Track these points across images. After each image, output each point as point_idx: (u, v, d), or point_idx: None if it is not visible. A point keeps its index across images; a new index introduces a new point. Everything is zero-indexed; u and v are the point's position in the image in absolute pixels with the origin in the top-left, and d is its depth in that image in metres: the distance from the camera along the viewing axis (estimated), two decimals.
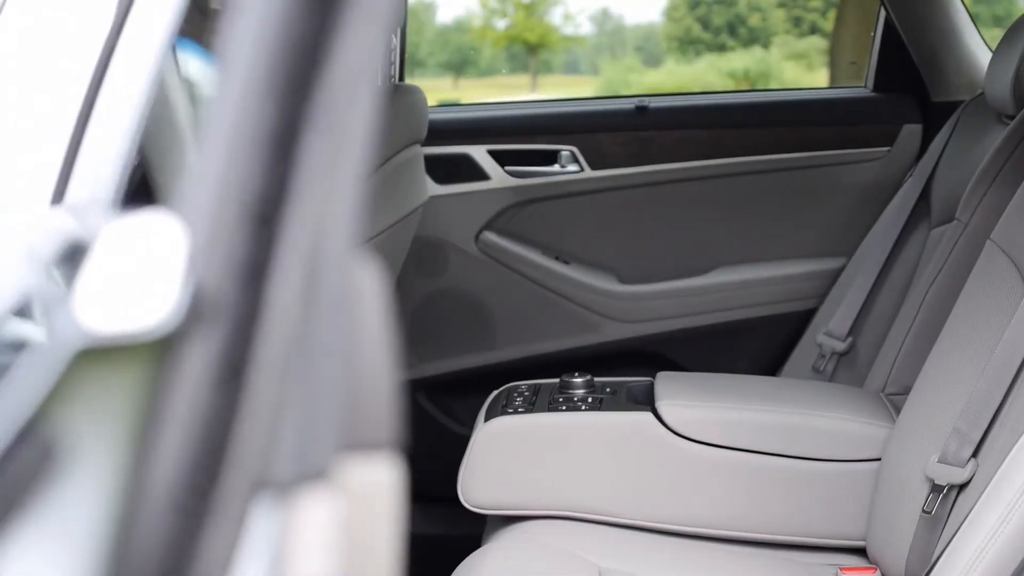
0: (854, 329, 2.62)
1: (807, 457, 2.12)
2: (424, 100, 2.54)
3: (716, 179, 2.86)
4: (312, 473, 0.44)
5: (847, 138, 2.84)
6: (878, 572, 2.02)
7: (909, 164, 2.77)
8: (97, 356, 0.40)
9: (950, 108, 2.64)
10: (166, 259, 0.42)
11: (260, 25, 0.42)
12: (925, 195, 2.61)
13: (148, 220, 0.43)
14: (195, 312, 0.41)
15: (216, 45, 0.44)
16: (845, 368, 2.63)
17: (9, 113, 1.42)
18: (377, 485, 0.47)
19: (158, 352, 0.40)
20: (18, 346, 0.46)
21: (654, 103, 2.88)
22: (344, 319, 0.46)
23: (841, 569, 2.05)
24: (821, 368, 2.64)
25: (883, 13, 2.81)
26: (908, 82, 2.81)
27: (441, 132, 2.75)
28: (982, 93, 2.52)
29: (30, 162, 1.32)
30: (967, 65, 2.76)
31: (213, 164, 0.41)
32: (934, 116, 2.75)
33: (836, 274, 2.80)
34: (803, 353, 2.76)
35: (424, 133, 2.52)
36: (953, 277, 2.22)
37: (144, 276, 0.42)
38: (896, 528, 1.95)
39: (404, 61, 2.86)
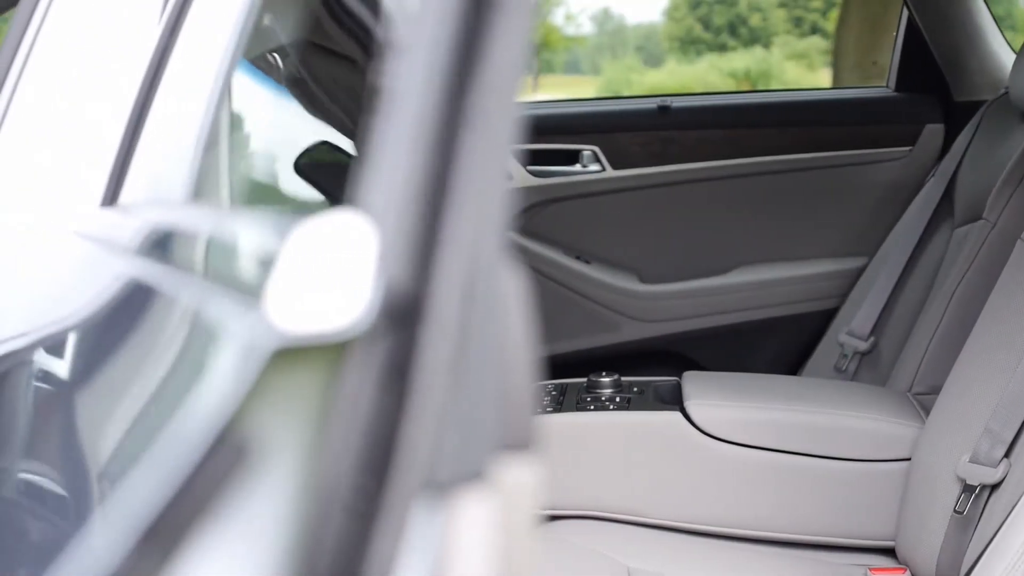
0: (876, 328, 2.62)
1: (836, 457, 2.12)
2: None
3: (737, 179, 2.86)
4: (470, 473, 0.44)
5: (869, 138, 2.84)
6: (908, 572, 2.02)
7: (931, 164, 2.77)
8: (290, 357, 0.40)
9: (972, 108, 2.64)
10: (357, 259, 0.42)
11: (434, 31, 0.42)
12: (948, 195, 2.60)
13: (338, 220, 0.43)
14: (386, 312, 0.40)
15: (391, 49, 0.44)
16: (867, 368, 2.62)
17: (64, 113, 1.42)
18: (523, 485, 0.47)
19: (347, 352, 0.40)
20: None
21: (676, 103, 2.88)
22: (496, 320, 0.46)
23: (870, 569, 2.05)
24: (843, 368, 2.64)
25: (905, 13, 2.81)
26: (930, 82, 2.81)
27: None
28: (1005, 93, 2.52)
29: (84, 161, 1.32)
30: (990, 65, 2.76)
31: (395, 163, 0.41)
32: (956, 116, 2.75)
33: (857, 274, 2.80)
34: (824, 353, 2.75)
35: None
36: (981, 276, 2.22)
37: (336, 276, 0.42)
38: (927, 528, 1.95)
39: None
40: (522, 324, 0.48)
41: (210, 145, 1.26)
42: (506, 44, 0.44)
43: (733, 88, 11.48)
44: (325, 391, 0.40)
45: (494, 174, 0.44)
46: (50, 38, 1.47)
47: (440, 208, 0.41)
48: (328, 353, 0.40)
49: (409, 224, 0.41)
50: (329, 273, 0.42)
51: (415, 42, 0.43)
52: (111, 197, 1.31)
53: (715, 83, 11.52)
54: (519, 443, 0.47)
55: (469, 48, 0.42)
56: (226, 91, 1.29)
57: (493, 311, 0.45)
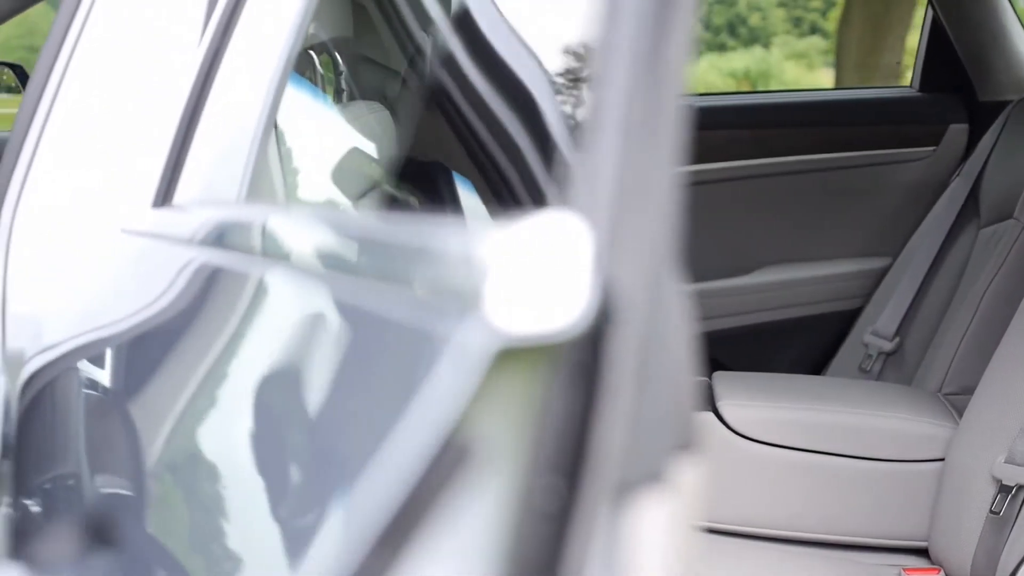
0: (902, 329, 2.62)
1: (869, 457, 2.12)
2: None
3: (761, 179, 2.85)
4: (651, 474, 0.43)
5: (892, 138, 2.83)
6: (942, 573, 2.02)
7: (955, 164, 2.76)
8: (510, 358, 0.40)
9: (997, 108, 2.64)
10: (575, 259, 0.41)
11: (627, 54, 0.43)
12: (973, 195, 2.60)
13: (553, 220, 0.43)
14: (605, 311, 0.40)
15: (594, 49, 0.44)
16: (892, 368, 2.62)
17: (119, 113, 1.42)
18: (691, 485, 0.47)
19: (560, 353, 0.40)
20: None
21: (699, 103, 2.87)
22: (668, 319, 0.45)
23: (904, 570, 2.05)
24: (868, 368, 2.64)
25: (930, 12, 2.80)
26: (954, 82, 2.80)
27: None
28: None
29: (142, 161, 1.32)
30: (1016, 65, 2.75)
31: (603, 171, 0.41)
32: (981, 116, 2.74)
33: (881, 274, 2.79)
34: (849, 353, 2.75)
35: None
36: (1013, 276, 2.22)
37: (555, 276, 0.41)
38: (961, 529, 1.95)
39: None
40: (685, 322, 0.48)
41: (264, 145, 1.26)
42: (678, 50, 0.44)
43: (733, 87, 11.47)
44: (528, 392, 0.40)
45: (670, 177, 0.44)
46: (95, 37, 1.46)
47: (636, 211, 0.41)
48: (535, 353, 0.40)
49: (616, 226, 0.41)
50: (548, 273, 0.41)
51: (611, 67, 0.43)
52: (163, 198, 1.31)
53: (715, 83, 11.50)
54: (687, 443, 0.47)
55: (656, 62, 0.43)
56: (280, 91, 1.29)
57: (667, 310, 0.45)
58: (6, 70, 2.96)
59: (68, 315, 1.34)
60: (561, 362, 0.40)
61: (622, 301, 0.41)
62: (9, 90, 2.95)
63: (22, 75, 2.89)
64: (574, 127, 0.45)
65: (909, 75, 5.37)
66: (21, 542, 0.81)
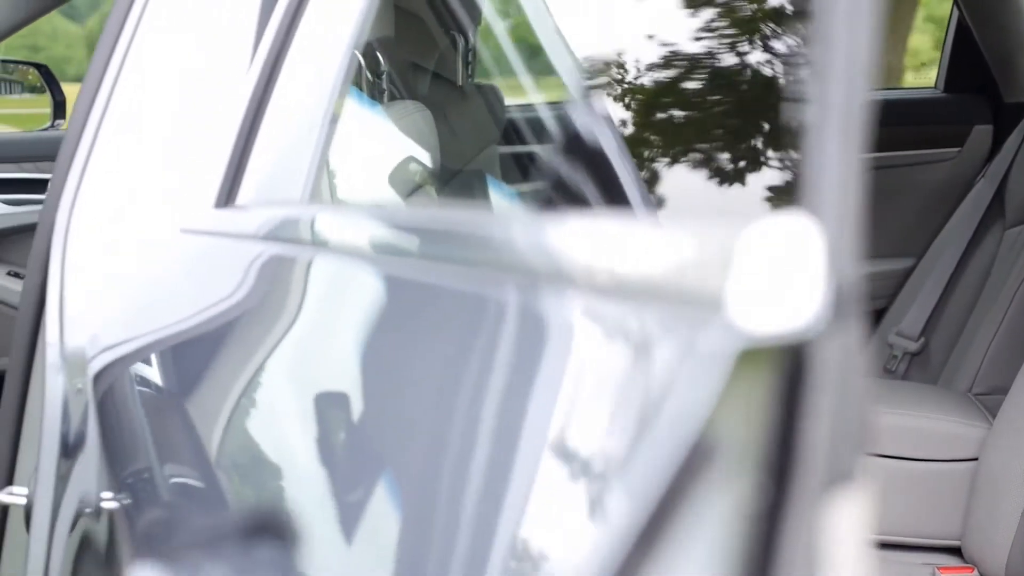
0: (927, 329, 2.62)
1: (902, 457, 2.12)
2: (503, 99, 2.53)
3: None
4: (845, 474, 0.44)
5: (917, 139, 2.83)
6: (976, 572, 2.03)
7: (980, 165, 2.77)
8: (749, 359, 0.40)
9: (1022, 109, 2.64)
10: (810, 259, 0.42)
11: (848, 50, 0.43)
12: (999, 196, 2.61)
13: (788, 221, 0.43)
14: (838, 313, 0.41)
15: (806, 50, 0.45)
16: (918, 368, 2.62)
17: (175, 115, 1.42)
18: (869, 485, 0.47)
19: (792, 354, 0.40)
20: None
21: None
22: (855, 316, 0.46)
23: (938, 568, 2.06)
24: (893, 368, 2.64)
25: (955, 13, 2.81)
26: (979, 83, 2.81)
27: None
28: None
29: (201, 163, 1.32)
30: None
31: (830, 169, 0.42)
32: (1006, 117, 2.74)
33: (905, 274, 2.79)
34: (873, 353, 2.75)
35: (501, 132, 2.51)
36: None
37: (793, 277, 0.42)
38: (996, 528, 1.96)
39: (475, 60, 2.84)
40: (857, 320, 0.48)
41: (327, 146, 1.26)
42: (869, 57, 0.45)
43: None
44: (759, 392, 0.40)
45: (863, 176, 0.46)
46: (151, 40, 1.46)
47: (849, 212, 0.42)
48: (771, 354, 0.40)
49: (840, 227, 0.42)
50: (787, 275, 0.42)
51: (828, 79, 0.44)
52: (226, 198, 1.31)
53: None
54: (867, 443, 0.47)
55: (856, 70, 0.44)
56: (343, 92, 1.29)
57: (853, 303, 0.45)
58: (31, 70, 2.97)
59: (128, 314, 1.34)
60: (790, 362, 0.41)
61: (847, 300, 0.42)
62: (33, 90, 2.96)
63: (47, 75, 2.90)
64: (798, 133, 0.45)
65: (910, 76, 5.33)
66: (144, 540, 0.81)
